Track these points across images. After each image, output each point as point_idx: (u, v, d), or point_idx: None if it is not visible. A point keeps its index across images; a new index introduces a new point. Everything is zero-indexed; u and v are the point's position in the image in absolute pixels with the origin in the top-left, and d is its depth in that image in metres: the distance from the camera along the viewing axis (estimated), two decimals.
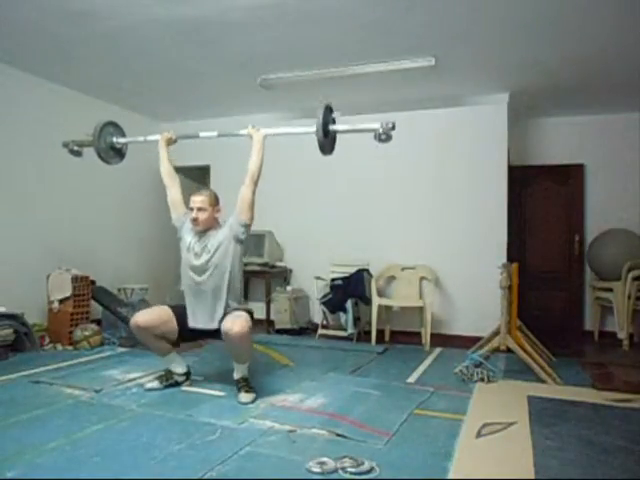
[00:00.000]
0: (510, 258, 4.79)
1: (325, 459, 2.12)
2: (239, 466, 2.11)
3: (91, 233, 5.38)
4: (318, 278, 5.37)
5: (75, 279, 4.55)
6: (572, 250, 5.72)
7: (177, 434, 2.44)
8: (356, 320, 5.02)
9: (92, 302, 4.77)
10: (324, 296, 5.14)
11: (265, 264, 5.46)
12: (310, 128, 3.02)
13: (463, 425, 2.64)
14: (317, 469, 2.05)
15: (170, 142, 3.47)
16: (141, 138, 3.61)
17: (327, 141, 3.06)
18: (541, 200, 5.85)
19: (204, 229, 3.15)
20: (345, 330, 4.99)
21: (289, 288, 5.49)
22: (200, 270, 3.09)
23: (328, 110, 3.06)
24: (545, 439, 2.46)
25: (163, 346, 3.19)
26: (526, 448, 2.35)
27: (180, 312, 3.17)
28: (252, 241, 5.36)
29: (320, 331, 5.19)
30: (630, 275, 4.86)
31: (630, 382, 3.59)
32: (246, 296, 5.97)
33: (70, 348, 4.38)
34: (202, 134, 3.48)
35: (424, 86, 4.85)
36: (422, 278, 5.15)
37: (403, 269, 5.21)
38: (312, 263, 5.56)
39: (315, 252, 5.60)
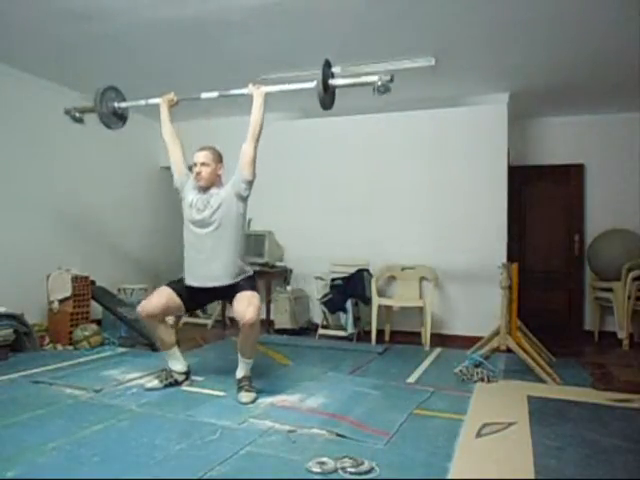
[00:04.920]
0: (510, 258, 4.79)
1: (325, 459, 2.12)
2: (239, 466, 2.11)
3: (91, 233, 5.39)
4: (318, 278, 5.37)
5: (75, 279, 4.55)
6: (572, 250, 5.72)
7: (177, 434, 2.44)
8: (356, 320, 5.02)
9: (92, 302, 4.77)
10: (324, 296, 5.14)
11: (265, 264, 5.46)
12: (310, 84, 3.02)
13: (463, 425, 2.64)
14: (317, 469, 2.05)
15: (172, 104, 3.48)
16: (142, 102, 3.60)
17: (327, 96, 3.07)
18: (541, 200, 5.85)
19: (207, 186, 3.15)
20: (345, 330, 4.99)
21: (289, 288, 5.49)
22: (202, 224, 3.09)
23: (327, 65, 3.06)
24: (545, 439, 2.46)
25: (168, 338, 3.21)
26: (526, 448, 2.35)
27: (180, 287, 3.17)
28: (252, 241, 5.36)
29: (320, 331, 5.19)
30: (630, 275, 4.86)
31: (630, 382, 3.59)
32: None
33: (70, 348, 4.37)
34: (203, 95, 3.45)
35: (424, 86, 4.85)
36: (422, 278, 5.15)
37: (403, 269, 5.21)
38: (312, 263, 5.55)
39: (315, 252, 5.59)
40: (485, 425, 2.63)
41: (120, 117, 3.73)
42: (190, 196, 3.19)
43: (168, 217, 5.96)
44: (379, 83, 2.96)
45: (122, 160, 5.79)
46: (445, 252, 5.14)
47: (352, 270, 5.17)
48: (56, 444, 2.30)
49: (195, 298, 3.22)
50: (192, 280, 3.15)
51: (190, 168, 3.25)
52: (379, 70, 4.29)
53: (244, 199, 3.15)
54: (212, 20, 3.50)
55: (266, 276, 5.46)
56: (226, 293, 3.12)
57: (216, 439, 2.39)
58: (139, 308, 3.13)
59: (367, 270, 5.16)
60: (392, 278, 5.30)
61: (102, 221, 5.55)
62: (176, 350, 3.28)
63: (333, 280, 5.20)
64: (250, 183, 3.14)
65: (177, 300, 3.15)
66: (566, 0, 3.16)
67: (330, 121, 5.67)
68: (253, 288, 3.12)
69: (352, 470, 2.04)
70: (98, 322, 4.81)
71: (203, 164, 3.13)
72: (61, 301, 4.49)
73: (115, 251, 5.68)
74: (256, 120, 3.18)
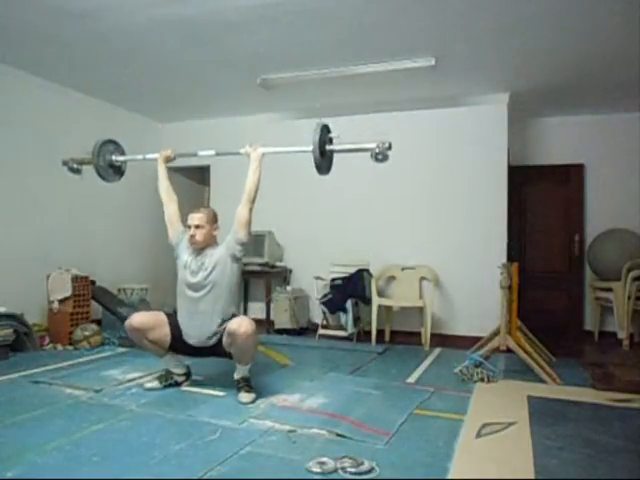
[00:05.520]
0: (510, 258, 4.80)
1: (325, 459, 2.12)
2: (239, 466, 2.11)
3: (91, 233, 5.38)
4: (318, 278, 5.36)
5: (75, 279, 4.55)
6: (572, 250, 5.72)
7: (177, 434, 2.44)
8: (356, 320, 5.02)
9: (92, 302, 4.77)
10: (324, 296, 5.14)
11: (265, 264, 5.46)
12: (307, 148, 3.03)
13: (463, 425, 2.64)
14: (317, 469, 2.05)
15: (169, 160, 3.47)
16: (140, 156, 3.63)
17: (324, 161, 3.08)
18: (541, 200, 5.85)
19: (201, 247, 3.14)
20: (345, 330, 4.99)
21: (289, 288, 5.49)
22: (196, 287, 3.08)
23: (325, 130, 3.07)
24: (545, 439, 2.45)
25: (157, 349, 3.20)
26: (526, 448, 2.35)
27: (174, 321, 3.17)
28: (252, 241, 5.34)
29: (320, 331, 5.19)
30: (630, 275, 4.86)
31: (630, 382, 3.59)
32: (246, 296, 5.99)
33: (70, 348, 4.38)
34: (200, 153, 3.49)
35: (424, 86, 4.86)
36: (422, 278, 5.14)
37: (403, 269, 5.21)
38: (312, 263, 5.55)
39: (315, 252, 5.60)
40: (485, 425, 2.63)
41: (117, 170, 3.71)
42: (184, 256, 3.18)
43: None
44: (377, 150, 2.94)
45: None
46: (445, 252, 5.14)
47: (352, 270, 5.16)
48: (56, 444, 2.30)
49: (185, 345, 3.16)
50: (187, 338, 3.14)
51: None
52: (379, 70, 4.32)
53: (238, 260, 3.14)
54: (212, 20, 3.50)
55: (266, 276, 5.46)
56: (219, 349, 3.09)
57: (216, 439, 2.38)
58: (127, 321, 3.11)
59: (367, 270, 5.16)
60: (392, 278, 5.29)
61: (102, 221, 5.54)
62: (171, 357, 3.26)
63: (333, 280, 5.19)
64: (244, 244, 3.13)
65: (166, 330, 3.13)
66: (567, 0, 3.16)
67: (330, 121, 5.64)
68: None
69: (352, 470, 2.04)
70: (98, 322, 4.81)
71: (197, 227, 3.10)
72: (61, 301, 4.49)
73: (115, 251, 5.68)
74: (252, 183, 3.13)
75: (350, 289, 5.00)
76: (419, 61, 4.15)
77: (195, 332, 3.10)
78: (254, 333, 2.91)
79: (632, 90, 4.73)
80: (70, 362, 3.89)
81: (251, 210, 3.12)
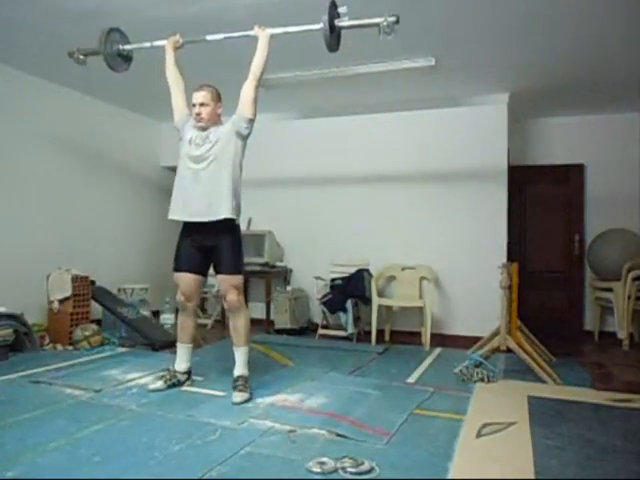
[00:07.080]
0: (510, 258, 4.80)
1: (325, 459, 2.12)
2: (239, 466, 2.11)
3: (91, 233, 5.39)
4: (318, 278, 5.37)
5: (75, 279, 4.55)
6: (572, 250, 5.72)
7: (177, 434, 2.44)
8: (356, 320, 5.02)
9: (92, 302, 4.77)
10: (324, 296, 5.14)
11: (265, 264, 5.46)
12: (316, 25, 3.02)
13: (463, 425, 2.64)
14: (317, 469, 2.05)
15: (177, 45, 3.44)
16: (147, 44, 3.49)
17: (333, 37, 3.06)
18: (541, 200, 5.84)
19: (207, 125, 3.15)
20: (345, 330, 4.99)
21: (289, 288, 5.49)
22: (199, 159, 3.09)
23: (333, 6, 3.05)
24: (545, 439, 2.45)
25: (191, 332, 3.28)
26: (526, 448, 2.35)
27: (184, 259, 3.23)
28: (252, 241, 5.36)
29: (320, 331, 5.19)
30: (630, 275, 4.86)
31: (630, 382, 3.59)
32: (246, 296, 5.98)
33: (70, 348, 4.37)
34: (209, 37, 3.37)
35: (424, 86, 4.85)
36: (422, 278, 5.14)
37: (403, 269, 5.21)
38: (312, 263, 5.56)
39: (315, 252, 5.60)
40: (485, 425, 2.63)
41: (125, 58, 3.61)
42: (189, 134, 3.20)
43: (169, 219, 5.96)
44: (385, 24, 2.94)
45: (123, 160, 5.79)
46: (445, 252, 5.14)
47: (352, 270, 5.17)
48: (56, 444, 2.30)
49: (196, 256, 3.20)
50: (185, 215, 3.14)
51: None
52: (379, 70, 4.32)
53: (244, 137, 3.16)
54: (212, 19, 3.50)
55: (266, 276, 5.46)
56: (215, 241, 3.10)
57: (216, 439, 2.39)
58: (178, 298, 3.27)
59: (367, 270, 5.16)
60: (392, 278, 5.29)
61: (102, 221, 5.55)
62: (189, 348, 3.29)
63: (333, 280, 5.20)
64: (251, 121, 3.15)
65: (195, 276, 3.23)
66: (566, 1, 3.16)
67: (330, 121, 5.68)
68: (239, 250, 3.17)
69: (352, 470, 2.04)
70: (98, 322, 4.80)
71: (202, 104, 3.12)
72: (61, 301, 4.49)
73: (115, 251, 5.68)
74: (259, 60, 3.18)
75: (350, 289, 5.00)
76: (419, 61, 4.15)
77: (197, 206, 3.08)
78: (242, 303, 3.14)
79: (632, 90, 4.73)
80: (70, 362, 3.89)
81: (256, 88, 3.15)
